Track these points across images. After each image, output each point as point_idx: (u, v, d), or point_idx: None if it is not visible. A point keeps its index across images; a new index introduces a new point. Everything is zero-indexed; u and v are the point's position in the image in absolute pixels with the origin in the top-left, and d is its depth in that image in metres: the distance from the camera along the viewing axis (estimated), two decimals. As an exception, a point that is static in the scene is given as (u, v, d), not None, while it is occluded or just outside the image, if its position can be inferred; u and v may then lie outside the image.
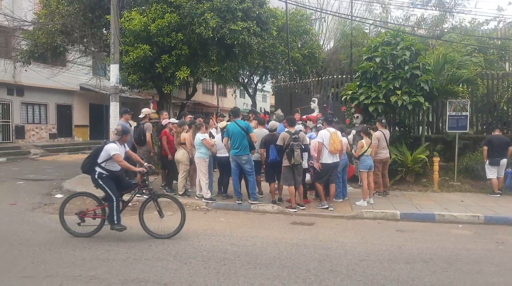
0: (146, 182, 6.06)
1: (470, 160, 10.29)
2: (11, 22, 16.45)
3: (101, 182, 5.78)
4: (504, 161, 9.05)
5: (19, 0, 18.25)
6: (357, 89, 10.21)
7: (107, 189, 5.76)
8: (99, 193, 6.05)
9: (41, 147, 19.77)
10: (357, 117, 10.40)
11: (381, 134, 8.77)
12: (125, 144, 6.13)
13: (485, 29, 16.21)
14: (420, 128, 11.80)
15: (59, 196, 9.16)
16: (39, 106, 22.06)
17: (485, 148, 9.18)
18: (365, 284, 4.28)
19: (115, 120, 9.67)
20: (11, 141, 20.26)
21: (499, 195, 8.96)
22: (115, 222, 5.76)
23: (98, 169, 5.79)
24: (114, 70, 9.99)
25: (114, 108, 9.95)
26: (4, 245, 5.54)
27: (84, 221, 5.94)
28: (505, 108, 10.93)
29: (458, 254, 5.36)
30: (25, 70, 17.04)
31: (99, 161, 5.79)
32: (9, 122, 20.39)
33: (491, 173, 9.12)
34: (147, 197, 6.15)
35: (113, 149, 5.74)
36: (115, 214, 5.75)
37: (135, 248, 5.40)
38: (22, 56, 15.09)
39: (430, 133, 12.23)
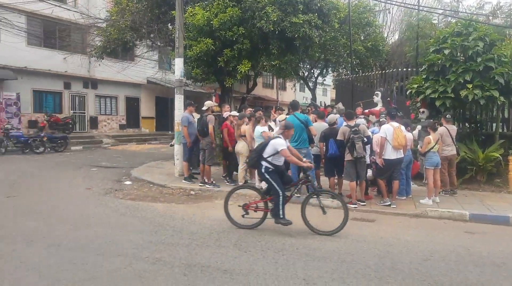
0: (309, 177, 6.02)
1: (551, 160, 9.39)
2: (87, 20, 17.78)
3: (267, 176, 5.83)
4: None
5: (94, -2, 19.65)
6: (423, 82, 9.73)
7: (273, 183, 5.79)
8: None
9: (112, 137, 21.22)
10: (423, 112, 9.92)
11: (444, 129, 8.28)
12: (287, 139, 6.15)
13: None
14: (494, 124, 10.97)
15: (128, 183, 9.79)
16: (110, 98, 23.62)
17: None
18: (429, 284, 4.12)
19: (180, 112, 10.08)
20: (86, 131, 21.99)
21: None
22: (281, 216, 5.75)
23: (264, 164, 5.86)
24: (178, 64, 10.37)
25: (178, 100, 10.35)
26: (81, 226, 6.05)
27: (247, 213, 6.00)
28: None
29: (535, 260, 4.96)
30: (99, 64, 18.26)
31: (265, 155, 5.85)
32: (85, 113, 22.12)
33: None
34: (308, 194, 6.13)
35: (280, 144, 5.77)
36: (280, 208, 5.74)
37: (197, 235, 5.63)
38: (96, 52, 16.22)
39: (505, 130, 11.33)
